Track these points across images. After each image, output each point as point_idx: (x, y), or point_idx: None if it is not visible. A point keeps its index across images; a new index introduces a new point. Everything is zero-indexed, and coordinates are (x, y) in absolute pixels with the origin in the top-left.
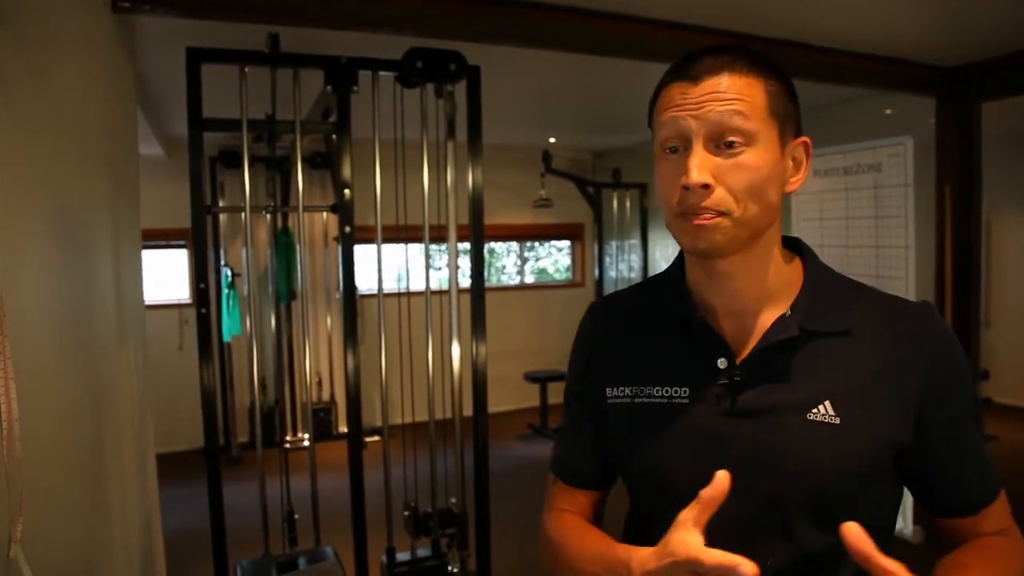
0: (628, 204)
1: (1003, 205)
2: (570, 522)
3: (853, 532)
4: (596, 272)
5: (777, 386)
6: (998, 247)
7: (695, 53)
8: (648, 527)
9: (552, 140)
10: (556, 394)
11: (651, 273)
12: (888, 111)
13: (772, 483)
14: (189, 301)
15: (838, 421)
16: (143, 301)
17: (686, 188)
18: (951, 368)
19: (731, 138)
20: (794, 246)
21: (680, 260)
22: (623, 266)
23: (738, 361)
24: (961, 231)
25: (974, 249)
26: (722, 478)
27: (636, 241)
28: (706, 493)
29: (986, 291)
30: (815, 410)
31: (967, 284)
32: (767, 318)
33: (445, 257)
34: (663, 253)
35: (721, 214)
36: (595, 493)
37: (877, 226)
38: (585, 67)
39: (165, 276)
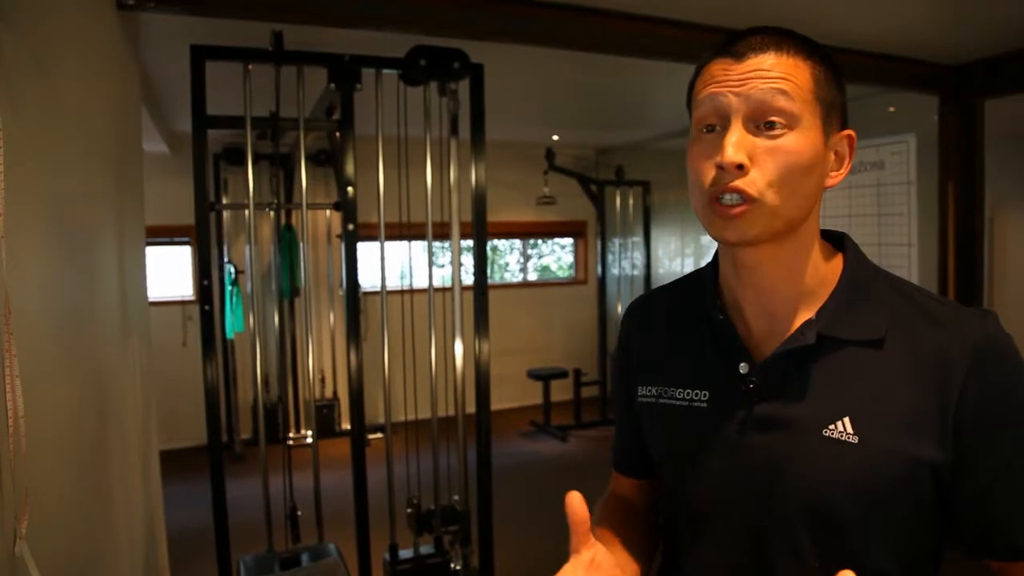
0: (631, 202)
1: (1006, 203)
2: (610, 503)
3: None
4: (599, 270)
5: (795, 397)
6: (1001, 245)
7: (741, 31)
8: (672, 528)
9: (555, 137)
10: (559, 392)
11: (654, 271)
12: (891, 109)
13: (783, 500)
14: (192, 298)
15: (856, 440)
16: (147, 298)
17: (720, 167)
18: (995, 382)
19: (772, 118)
20: (839, 242)
21: (717, 255)
22: (626, 264)
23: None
24: (964, 229)
25: (977, 247)
26: (571, 499)
27: (639, 239)
28: (570, 520)
29: (989, 289)
30: (832, 426)
31: (970, 282)
32: (798, 322)
33: (448, 254)
34: (666, 251)
35: (752, 200)
36: (636, 481)
37: (880, 224)
38: (589, 65)
39: (169, 273)
